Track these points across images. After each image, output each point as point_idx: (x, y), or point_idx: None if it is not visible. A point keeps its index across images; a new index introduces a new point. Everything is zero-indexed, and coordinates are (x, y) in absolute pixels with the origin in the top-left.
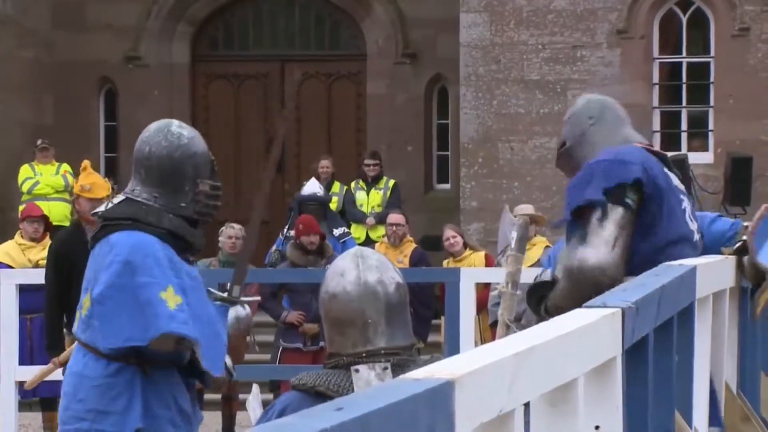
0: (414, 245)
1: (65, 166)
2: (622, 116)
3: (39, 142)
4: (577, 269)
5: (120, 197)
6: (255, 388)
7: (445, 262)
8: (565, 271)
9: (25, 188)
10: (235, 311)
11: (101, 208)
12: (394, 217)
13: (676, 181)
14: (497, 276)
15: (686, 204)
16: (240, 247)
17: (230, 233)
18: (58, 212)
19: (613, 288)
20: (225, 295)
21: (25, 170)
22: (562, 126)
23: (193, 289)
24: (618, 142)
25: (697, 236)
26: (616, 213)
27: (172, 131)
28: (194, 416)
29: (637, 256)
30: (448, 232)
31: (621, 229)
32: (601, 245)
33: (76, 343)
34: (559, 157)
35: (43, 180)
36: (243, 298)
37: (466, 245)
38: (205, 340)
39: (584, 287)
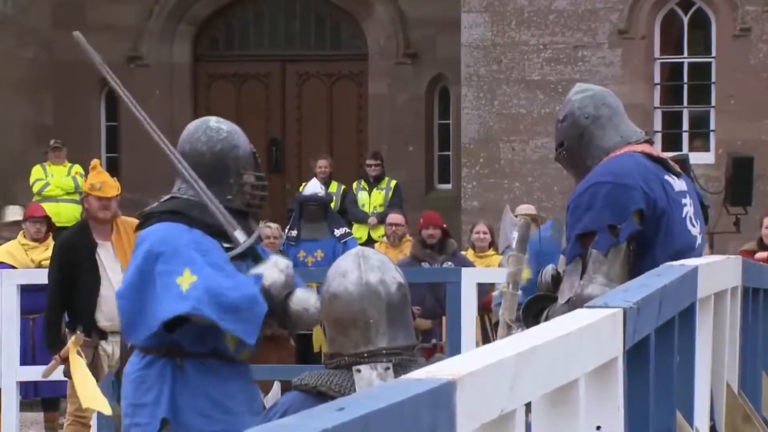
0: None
1: (77, 168)
2: (616, 108)
3: (52, 142)
4: (581, 304)
5: (166, 197)
6: (276, 386)
7: (463, 253)
8: (571, 304)
9: (35, 189)
10: (267, 265)
11: (148, 208)
12: (394, 217)
13: (677, 184)
14: (498, 276)
15: (688, 208)
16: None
17: (267, 233)
18: (68, 214)
19: None
20: (238, 248)
21: (36, 171)
22: None
23: (228, 262)
24: (616, 142)
25: (699, 238)
26: (619, 250)
27: (210, 126)
28: (242, 405)
29: (638, 273)
30: (480, 227)
31: (624, 262)
32: (604, 283)
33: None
34: (559, 159)
35: (54, 181)
36: (249, 239)
37: (491, 245)
38: (235, 310)
39: None
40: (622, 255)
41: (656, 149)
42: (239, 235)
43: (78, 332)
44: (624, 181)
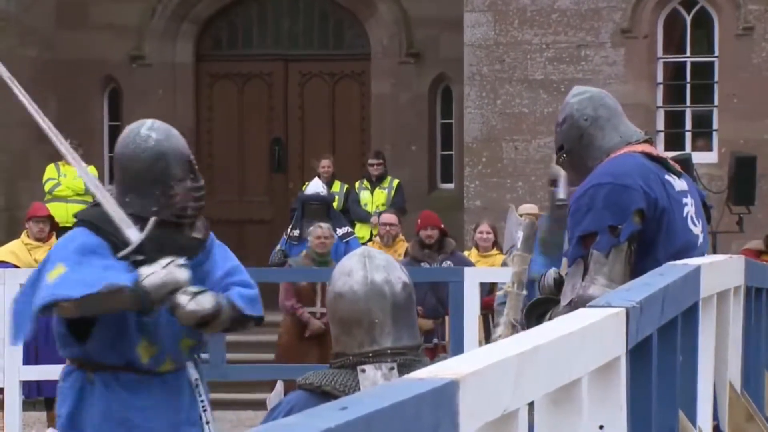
0: (406, 244)
1: (91, 169)
2: (615, 109)
3: (68, 142)
4: (583, 305)
5: (93, 202)
6: (279, 385)
7: (467, 253)
8: (573, 306)
9: (46, 188)
10: (162, 261)
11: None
12: (387, 217)
13: (678, 184)
14: (502, 276)
15: (689, 207)
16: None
17: (318, 233)
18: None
19: None
20: (128, 248)
21: (50, 170)
22: None
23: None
24: (616, 142)
25: (701, 238)
26: (620, 250)
27: (140, 134)
28: (155, 419)
29: (640, 273)
30: (484, 226)
31: (625, 262)
32: (605, 284)
33: None
34: (560, 163)
35: (66, 181)
36: (140, 235)
37: (495, 245)
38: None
39: None
40: (623, 255)
41: (656, 149)
42: (132, 234)
43: None
44: (624, 181)
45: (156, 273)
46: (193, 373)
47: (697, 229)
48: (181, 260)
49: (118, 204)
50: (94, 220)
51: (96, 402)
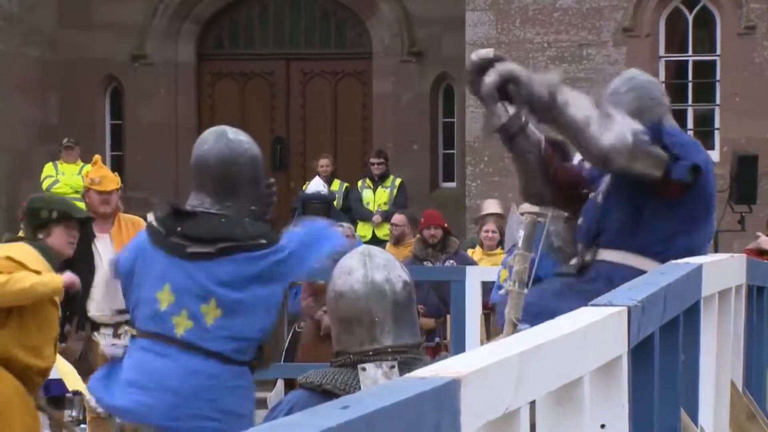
0: None
1: (88, 168)
2: (667, 106)
3: (65, 140)
4: (633, 139)
5: (206, 209)
6: (279, 384)
7: (470, 251)
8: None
9: (44, 186)
10: None
11: (185, 227)
12: (396, 218)
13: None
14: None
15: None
16: None
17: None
18: None
19: None
20: None
21: (48, 168)
22: None
23: None
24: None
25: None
26: (655, 149)
27: (230, 138)
28: None
29: (674, 250)
30: (490, 225)
31: (658, 158)
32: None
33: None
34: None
35: (64, 179)
36: None
37: (500, 244)
38: None
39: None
40: (661, 158)
41: None
42: None
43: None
44: (698, 144)
45: None
46: None
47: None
48: None
49: (217, 210)
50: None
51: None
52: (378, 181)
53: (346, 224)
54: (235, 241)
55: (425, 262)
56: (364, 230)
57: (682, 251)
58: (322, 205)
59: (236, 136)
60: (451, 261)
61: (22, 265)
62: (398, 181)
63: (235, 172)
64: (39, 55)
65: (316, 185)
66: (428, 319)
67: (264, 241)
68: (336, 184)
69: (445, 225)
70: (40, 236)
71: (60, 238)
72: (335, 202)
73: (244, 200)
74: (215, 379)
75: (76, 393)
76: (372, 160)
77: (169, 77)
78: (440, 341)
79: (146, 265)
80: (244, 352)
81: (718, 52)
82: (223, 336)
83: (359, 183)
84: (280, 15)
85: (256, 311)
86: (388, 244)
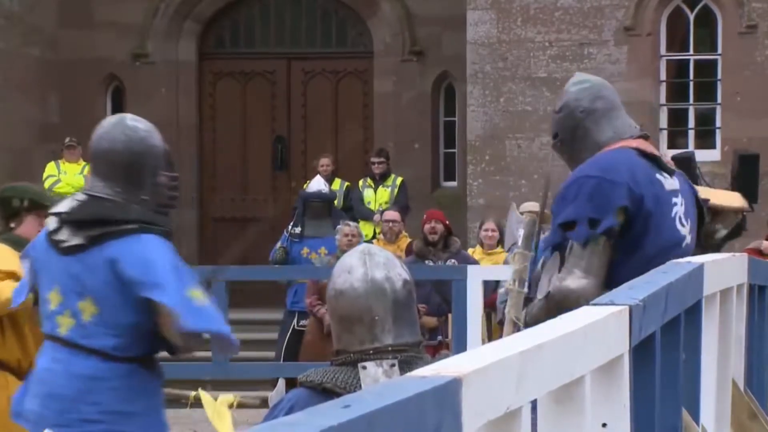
0: (408, 239)
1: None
2: (612, 101)
3: (67, 140)
4: (560, 296)
5: (81, 196)
6: (281, 383)
7: (471, 250)
8: (549, 298)
9: (46, 185)
10: None
11: (62, 208)
12: (390, 214)
13: (668, 183)
14: (504, 274)
15: (678, 207)
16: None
17: (346, 231)
18: None
19: None
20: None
21: (50, 167)
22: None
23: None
24: (609, 137)
25: (688, 238)
26: (597, 243)
27: (128, 125)
28: None
29: (625, 269)
30: (489, 224)
31: (602, 257)
32: (581, 276)
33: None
34: (554, 148)
35: (66, 179)
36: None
37: (500, 243)
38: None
39: (564, 311)
40: (601, 249)
41: (650, 145)
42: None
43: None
44: (611, 176)
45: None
46: None
47: (684, 229)
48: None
49: (106, 195)
50: (144, 218)
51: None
52: (379, 180)
53: (352, 223)
54: (106, 227)
55: (427, 261)
56: (365, 229)
57: (635, 268)
58: (323, 204)
59: (134, 123)
60: (453, 260)
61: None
62: (399, 180)
63: (126, 158)
64: (39, 55)
65: (317, 184)
66: (431, 318)
67: (134, 227)
68: (337, 183)
69: (447, 223)
70: (12, 225)
71: (32, 227)
72: (336, 202)
73: (136, 188)
74: (97, 380)
75: None
76: (373, 159)
77: (170, 76)
78: (443, 340)
79: (43, 264)
80: (128, 348)
81: (720, 51)
82: (101, 332)
83: (360, 182)
84: (281, 14)
85: (127, 301)
86: (381, 242)
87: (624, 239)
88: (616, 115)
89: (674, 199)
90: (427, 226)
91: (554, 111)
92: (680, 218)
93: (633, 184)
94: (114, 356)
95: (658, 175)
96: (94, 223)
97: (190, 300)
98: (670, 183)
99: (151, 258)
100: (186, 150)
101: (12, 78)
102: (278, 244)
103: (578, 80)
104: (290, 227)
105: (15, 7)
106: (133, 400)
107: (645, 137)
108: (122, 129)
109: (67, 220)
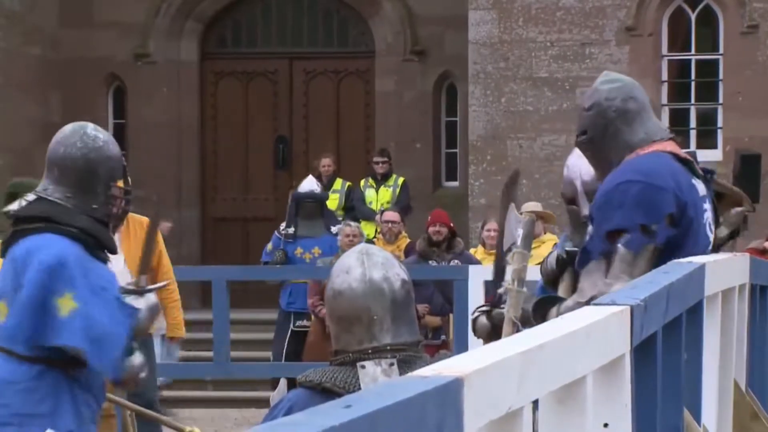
0: (408, 240)
1: None
2: (643, 103)
3: None
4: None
5: (31, 196)
6: (282, 383)
7: (473, 250)
8: (593, 298)
9: None
10: (146, 300)
11: (13, 207)
12: (389, 215)
13: (701, 188)
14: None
15: (708, 213)
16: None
17: (348, 231)
18: None
19: None
20: (133, 287)
21: None
22: (570, 122)
23: (103, 289)
24: (640, 138)
25: (711, 245)
26: (647, 250)
27: (87, 133)
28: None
29: None
30: (491, 224)
31: (650, 264)
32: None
33: None
34: (579, 145)
35: None
36: (149, 287)
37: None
38: (98, 344)
39: None
40: (650, 257)
41: (680, 149)
42: (143, 280)
43: None
44: (656, 181)
45: (147, 310)
46: None
47: (712, 235)
48: (154, 297)
49: (58, 201)
50: (84, 226)
51: (84, 392)
52: (381, 180)
53: (354, 223)
54: (30, 224)
55: (431, 262)
56: (367, 229)
57: None
58: (315, 204)
59: (95, 132)
60: (456, 261)
61: None
62: (401, 180)
63: (80, 165)
64: (40, 54)
65: (309, 184)
66: (434, 318)
67: (40, 225)
68: (338, 183)
69: (451, 225)
70: None
71: None
72: (337, 202)
73: (86, 196)
74: (6, 383)
75: None
76: (375, 159)
77: (171, 76)
78: (446, 339)
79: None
80: (38, 349)
81: (721, 51)
82: (10, 333)
83: (362, 182)
84: (282, 14)
85: (30, 299)
86: (381, 242)
87: (666, 246)
88: (647, 116)
89: (705, 205)
90: (431, 229)
91: (583, 108)
92: (709, 224)
93: (678, 191)
94: (25, 357)
95: (693, 180)
96: (38, 223)
97: (51, 310)
98: (701, 188)
99: (32, 259)
100: (187, 150)
101: (13, 78)
102: (269, 246)
103: (609, 78)
104: (282, 228)
105: (16, 6)
106: (42, 402)
107: (674, 140)
108: (81, 136)
109: (15, 215)
